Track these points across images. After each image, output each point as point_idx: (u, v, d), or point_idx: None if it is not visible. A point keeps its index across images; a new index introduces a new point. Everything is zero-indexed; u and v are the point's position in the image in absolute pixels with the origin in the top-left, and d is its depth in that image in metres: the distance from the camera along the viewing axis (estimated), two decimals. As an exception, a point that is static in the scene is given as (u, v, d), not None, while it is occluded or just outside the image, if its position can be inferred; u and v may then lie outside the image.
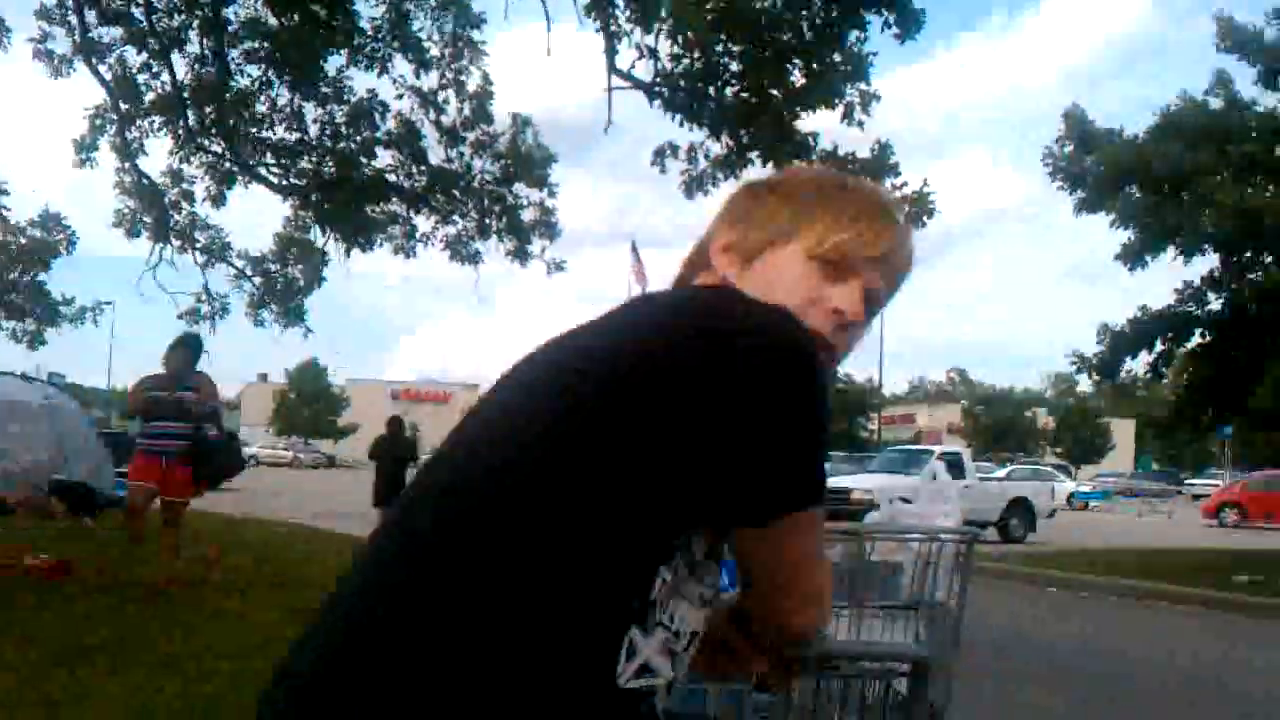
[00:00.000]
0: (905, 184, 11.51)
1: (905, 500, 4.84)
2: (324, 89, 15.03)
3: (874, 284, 1.51)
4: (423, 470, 1.42)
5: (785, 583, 1.41)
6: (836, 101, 11.08)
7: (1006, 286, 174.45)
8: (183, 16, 14.22)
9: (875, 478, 23.90)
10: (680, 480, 1.26)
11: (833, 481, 24.54)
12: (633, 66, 11.66)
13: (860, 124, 11.07)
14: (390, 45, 14.17)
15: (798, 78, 11.17)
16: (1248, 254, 17.82)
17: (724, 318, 1.33)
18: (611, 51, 11.58)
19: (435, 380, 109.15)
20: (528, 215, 15.74)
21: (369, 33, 14.10)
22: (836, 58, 11.09)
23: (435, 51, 14.45)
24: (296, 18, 13.52)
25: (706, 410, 1.25)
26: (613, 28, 11.53)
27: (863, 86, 11.03)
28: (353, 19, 13.78)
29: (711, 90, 11.38)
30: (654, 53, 11.48)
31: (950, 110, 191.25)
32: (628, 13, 11.46)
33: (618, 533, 1.24)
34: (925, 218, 11.34)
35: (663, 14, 10.25)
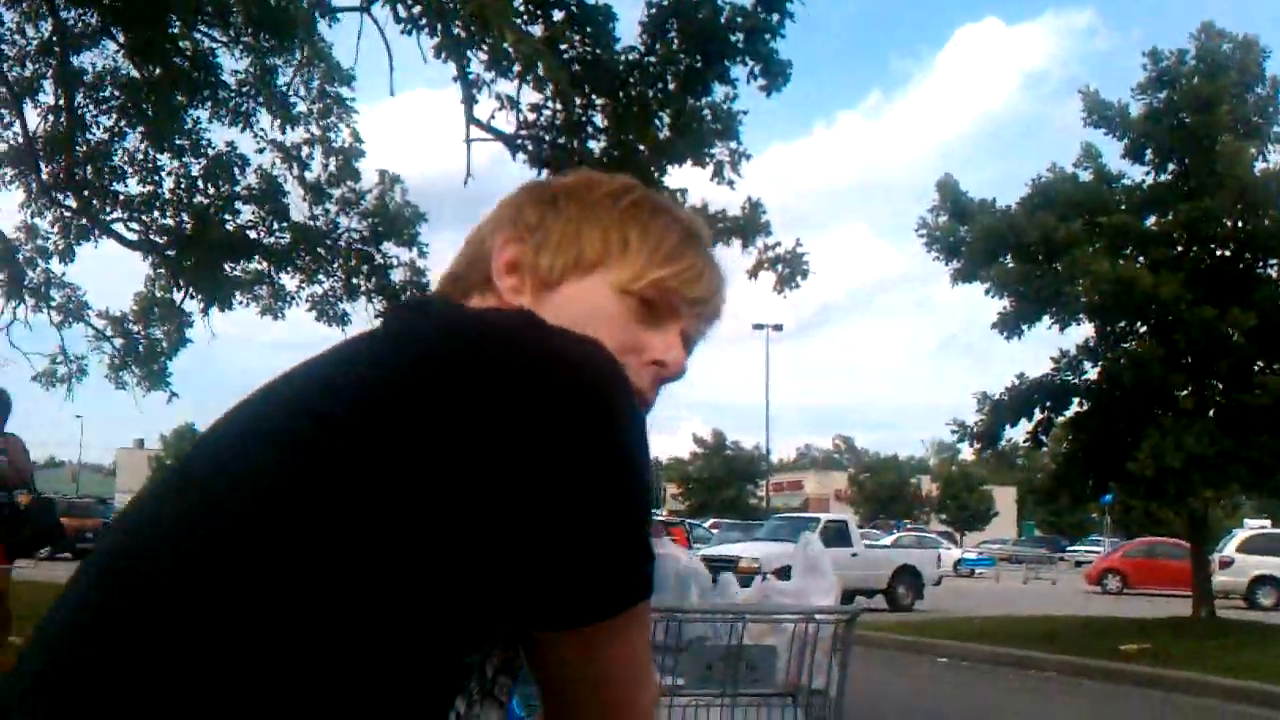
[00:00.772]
0: (779, 243, 11.34)
1: (785, 572, 4.70)
2: (180, 141, 14.46)
3: (691, 330, 1.25)
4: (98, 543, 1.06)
5: (601, 707, 1.05)
6: (707, 158, 10.89)
7: (889, 356, 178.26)
8: (35, 65, 13.57)
9: (762, 545, 23.71)
10: (464, 573, 0.94)
11: (721, 550, 24.57)
12: (492, 117, 11.33)
13: (731, 183, 10.91)
14: (255, 100, 13.67)
15: (664, 132, 10.93)
16: (1121, 323, 18.06)
17: (522, 347, 1.02)
18: (470, 100, 11.20)
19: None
20: (398, 275, 15.24)
21: (233, 87, 13.60)
22: (707, 114, 10.95)
23: (302, 107, 13.99)
24: (157, 70, 12.97)
25: (496, 473, 0.95)
26: (470, 75, 11.14)
27: (733, 145, 10.87)
28: (215, 72, 13.29)
29: (574, 143, 11.06)
30: (514, 103, 11.16)
31: (830, 186, 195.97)
32: (484, 58, 11.10)
33: (386, 660, 0.90)
34: (799, 278, 11.18)
35: (513, 58, 9.83)
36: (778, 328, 54.18)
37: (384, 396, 0.97)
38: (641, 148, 11.14)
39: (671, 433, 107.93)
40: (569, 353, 1.03)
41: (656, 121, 10.94)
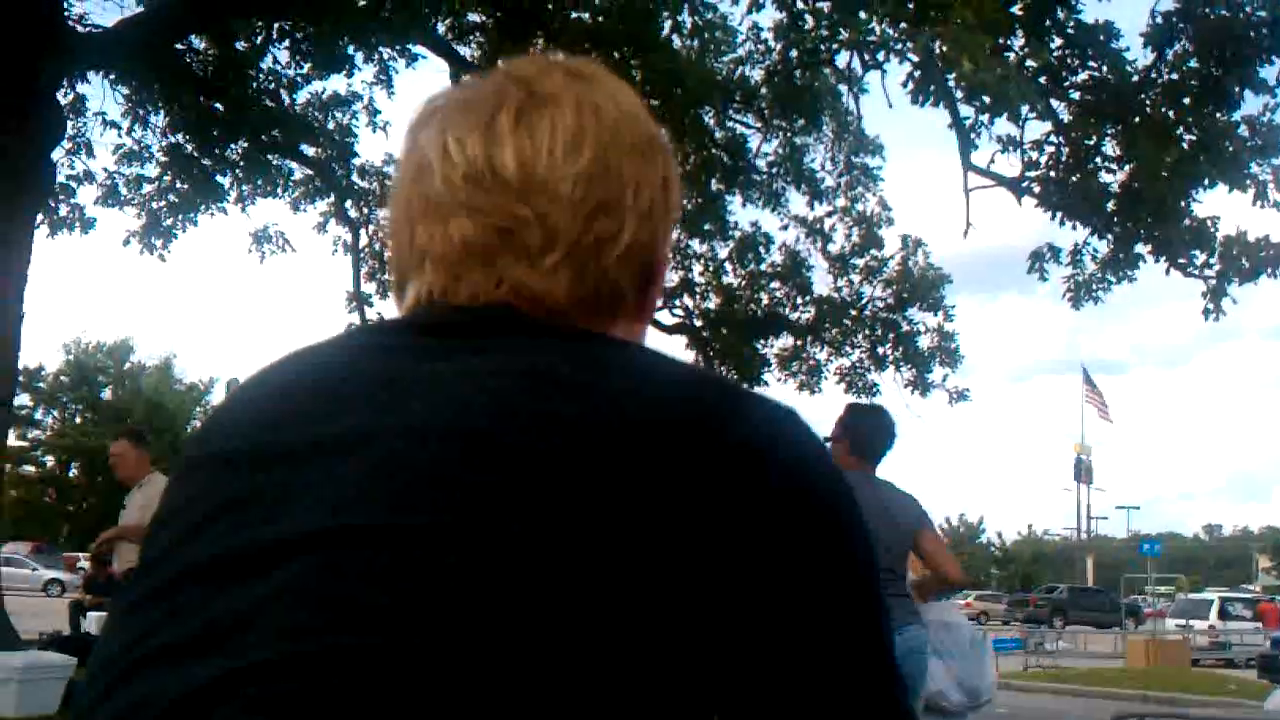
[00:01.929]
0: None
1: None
2: (708, 225, 15.07)
3: None
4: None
5: None
6: (1244, 180, 9.88)
7: None
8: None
9: None
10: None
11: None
12: (992, 161, 10.91)
13: (1278, 204, 9.85)
14: (784, 179, 14.04)
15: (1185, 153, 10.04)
16: None
17: (734, 426, 0.80)
18: (966, 146, 10.81)
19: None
20: (924, 341, 15.05)
21: (763, 169, 14.06)
22: (1243, 129, 9.95)
23: (830, 181, 14.23)
24: (691, 159, 13.62)
25: (719, 593, 0.75)
26: (965, 119, 10.68)
27: (1276, 162, 9.83)
28: (746, 156, 13.79)
29: (1084, 178, 10.42)
30: (1016, 143, 10.67)
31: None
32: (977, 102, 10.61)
33: None
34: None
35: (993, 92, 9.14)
36: None
37: (580, 484, 0.75)
38: (1164, 174, 10.30)
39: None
40: (789, 435, 0.82)
41: (1178, 143, 10.07)
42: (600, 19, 12.86)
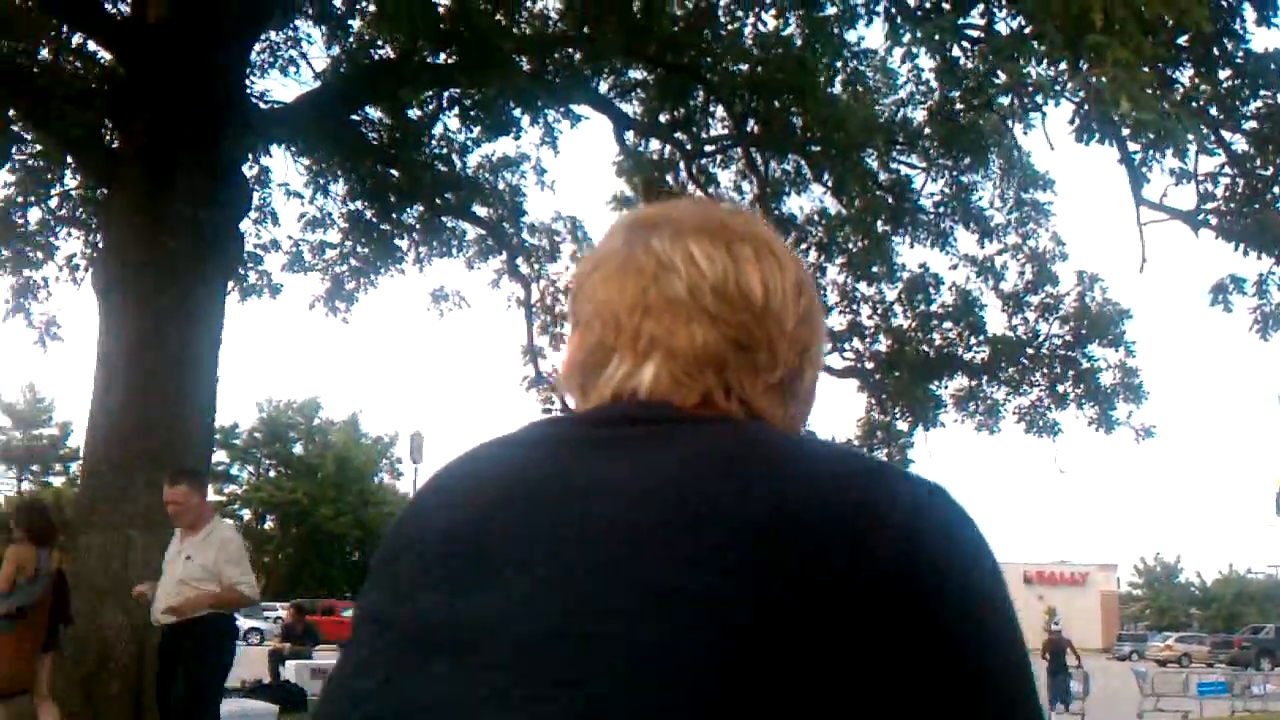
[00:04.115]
0: None
1: None
2: (875, 268, 14.93)
3: None
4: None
5: None
6: None
7: None
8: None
9: None
10: None
11: None
12: (1164, 195, 10.50)
13: None
14: (952, 218, 13.84)
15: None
16: None
17: (903, 521, 0.84)
18: (1137, 180, 10.40)
19: (1067, 561, 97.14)
20: (1106, 379, 14.54)
21: (929, 210, 13.89)
22: None
23: (999, 219, 13.95)
24: (857, 203, 13.56)
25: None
26: (1134, 156, 10.31)
27: None
28: (912, 198, 13.64)
29: (1260, 208, 9.93)
30: (1191, 175, 10.23)
31: None
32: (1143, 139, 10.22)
33: None
34: None
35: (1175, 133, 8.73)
36: None
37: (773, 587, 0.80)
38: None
39: None
40: (934, 524, 0.86)
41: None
42: (759, 69, 12.94)
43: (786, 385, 1.00)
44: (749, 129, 13.82)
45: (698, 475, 0.89)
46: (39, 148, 14.14)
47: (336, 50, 13.20)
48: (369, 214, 14.57)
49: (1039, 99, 9.63)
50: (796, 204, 14.71)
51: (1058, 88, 8.61)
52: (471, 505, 0.95)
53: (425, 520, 0.98)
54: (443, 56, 11.75)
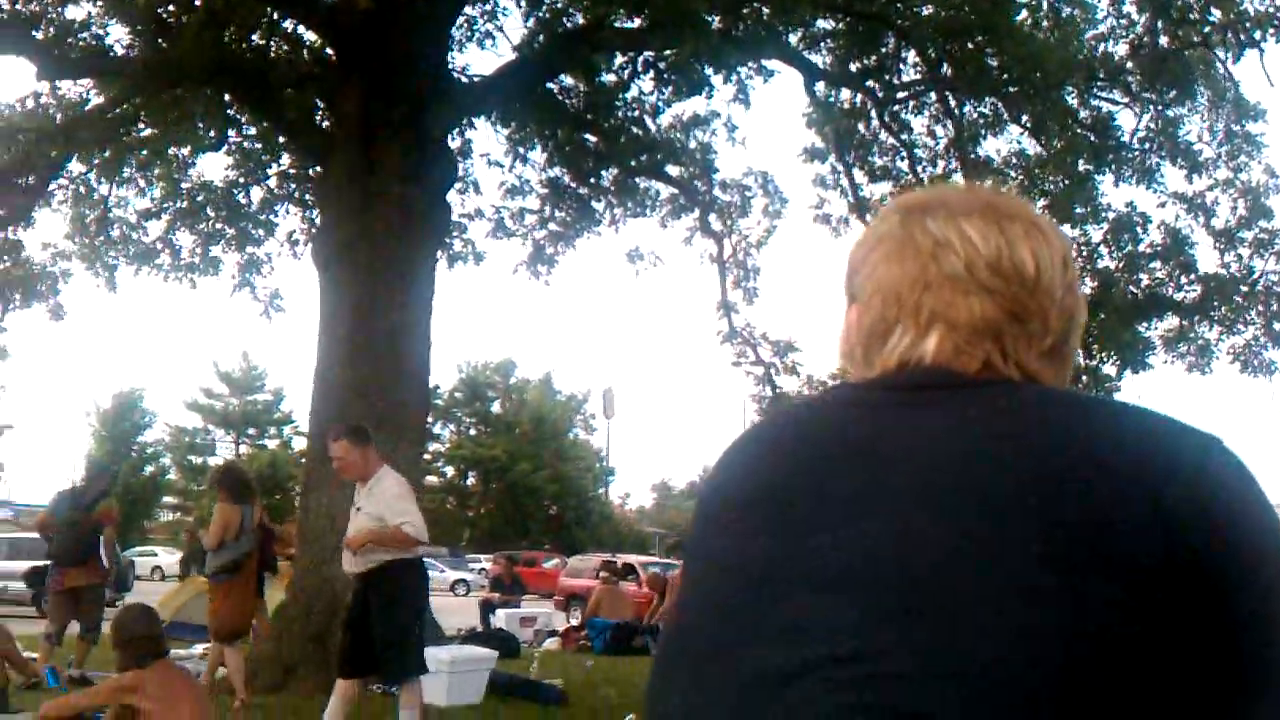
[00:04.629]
0: None
1: None
2: (1078, 209, 14.52)
3: None
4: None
5: None
6: None
7: None
8: (944, 161, 14.54)
9: None
10: None
11: None
12: None
13: None
14: (1158, 154, 13.35)
15: None
16: None
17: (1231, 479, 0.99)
18: None
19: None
20: (1335, 316, 13.87)
21: (1134, 146, 13.43)
22: None
23: (1208, 153, 13.39)
24: (1057, 143, 13.22)
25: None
26: None
27: None
28: (1115, 135, 13.22)
29: None
30: None
31: None
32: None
33: None
34: None
35: None
36: None
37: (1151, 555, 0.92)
38: None
39: None
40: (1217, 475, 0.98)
41: None
42: (951, 11, 12.71)
43: (1056, 350, 1.11)
44: (942, 72, 13.60)
45: (998, 429, 1.01)
46: (252, 130, 14.99)
47: (532, 22, 13.55)
48: (567, 179, 14.94)
49: (1256, 34, 9.24)
50: (993, 146, 14.46)
51: (1278, 22, 8.27)
52: (795, 459, 1.09)
53: (750, 474, 1.13)
54: (635, 20, 11.96)
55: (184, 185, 15.39)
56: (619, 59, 13.50)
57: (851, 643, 0.94)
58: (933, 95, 14.28)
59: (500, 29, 14.25)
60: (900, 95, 14.46)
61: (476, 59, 56.94)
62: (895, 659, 0.92)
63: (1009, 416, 1.03)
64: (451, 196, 12.95)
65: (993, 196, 1.16)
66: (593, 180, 14.77)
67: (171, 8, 12.36)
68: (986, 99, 14.13)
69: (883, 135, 14.89)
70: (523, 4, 13.19)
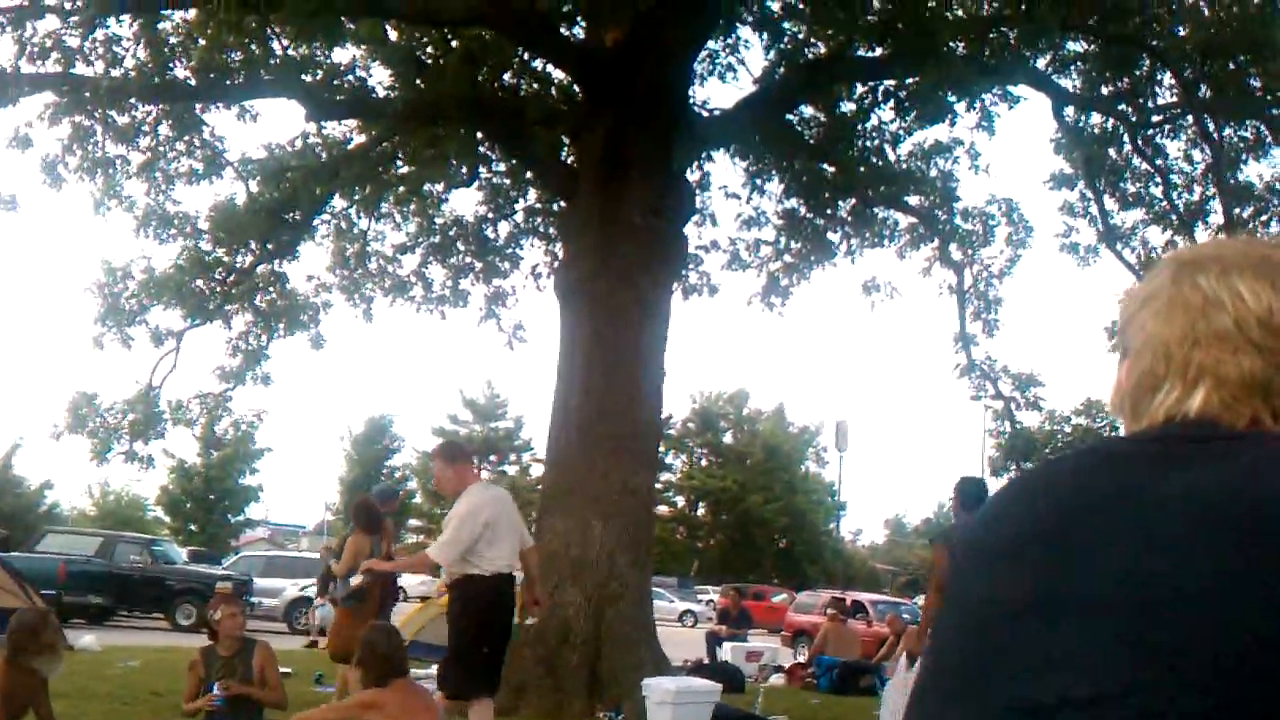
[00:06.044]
0: None
1: None
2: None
3: None
4: None
5: None
6: None
7: None
8: (1201, 188, 13.84)
9: None
10: None
11: None
12: None
13: None
14: None
15: None
16: None
17: None
18: None
19: None
20: None
21: None
22: None
23: None
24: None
25: None
26: None
27: None
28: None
29: None
30: None
31: None
32: None
33: None
34: None
35: None
36: None
37: None
38: None
39: None
40: None
41: None
42: (1211, 30, 12.09)
43: None
44: (1200, 94, 12.95)
45: (1262, 478, 1.01)
46: (501, 167, 15.58)
47: (773, 54, 13.61)
48: (803, 210, 14.90)
49: None
50: (1255, 171, 13.62)
51: None
52: (1062, 504, 1.10)
53: (1020, 517, 1.14)
54: (878, 50, 11.86)
55: (437, 220, 16.13)
56: (859, 89, 13.40)
57: (1111, 681, 0.96)
58: (1189, 118, 13.60)
59: (742, 61, 14.40)
60: (1154, 119, 13.85)
61: (716, 92, 57.70)
62: (1157, 698, 0.94)
63: (1271, 466, 1.02)
64: (688, 229, 13.13)
65: (1271, 250, 1.14)
66: (829, 211, 14.69)
67: (430, 49, 13.00)
68: (1248, 121, 13.39)
69: (1135, 160, 14.27)
70: (764, 36, 13.25)
